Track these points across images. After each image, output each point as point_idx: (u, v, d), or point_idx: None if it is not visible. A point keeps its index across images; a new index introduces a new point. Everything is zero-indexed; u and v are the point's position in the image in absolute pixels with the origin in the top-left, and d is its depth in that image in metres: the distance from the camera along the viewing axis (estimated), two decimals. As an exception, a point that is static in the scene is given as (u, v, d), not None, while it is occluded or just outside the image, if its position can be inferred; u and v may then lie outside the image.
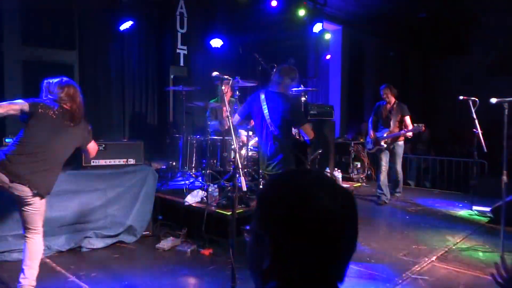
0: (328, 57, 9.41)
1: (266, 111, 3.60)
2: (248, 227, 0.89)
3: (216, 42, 6.91)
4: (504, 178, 3.62)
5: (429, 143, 9.57)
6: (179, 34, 6.71)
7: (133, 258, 3.90)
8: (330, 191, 0.81)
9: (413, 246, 4.25)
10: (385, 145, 6.08)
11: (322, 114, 7.00)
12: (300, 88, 5.74)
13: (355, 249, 0.83)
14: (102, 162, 4.30)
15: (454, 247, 4.23)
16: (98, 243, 4.05)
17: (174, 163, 5.47)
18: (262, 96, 3.65)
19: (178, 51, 6.68)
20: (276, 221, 0.80)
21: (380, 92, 6.19)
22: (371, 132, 6.24)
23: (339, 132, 8.90)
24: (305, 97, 5.97)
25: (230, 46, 7.22)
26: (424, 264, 3.75)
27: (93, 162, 4.25)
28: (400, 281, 3.35)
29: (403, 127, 6.03)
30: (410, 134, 5.96)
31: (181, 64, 6.75)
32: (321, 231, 0.77)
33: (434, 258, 3.90)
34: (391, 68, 10.54)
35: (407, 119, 6.01)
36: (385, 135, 6.04)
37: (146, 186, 4.42)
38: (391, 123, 6.07)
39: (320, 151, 5.73)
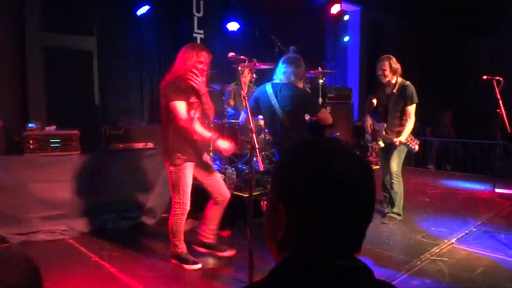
0: (346, 39, 9.24)
1: (276, 104, 3.45)
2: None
3: (233, 26, 6.87)
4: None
5: (452, 125, 9.36)
6: (195, 18, 6.69)
7: (153, 239, 3.99)
8: (346, 158, 0.79)
9: (433, 228, 4.20)
10: (383, 145, 4.43)
11: (340, 97, 6.92)
12: (318, 71, 5.68)
13: (371, 218, 0.82)
14: (121, 145, 4.38)
15: (475, 230, 4.17)
16: (120, 225, 4.15)
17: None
18: (269, 89, 3.52)
19: (194, 35, 6.66)
20: (289, 190, 0.80)
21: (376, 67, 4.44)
22: (368, 121, 4.59)
23: (358, 115, 8.79)
24: (323, 79, 5.89)
25: (247, 29, 7.16)
26: (444, 246, 3.70)
27: (113, 145, 4.33)
28: (418, 263, 3.33)
29: (403, 119, 4.30)
30: (398, 143, 4.16)
31: (198, 48, 6.74)
32: (336, 199, 0.76)
33: (454, 240, 3.85)
34: (413, 49, 10.26)
35: (409, 109, 4.22)
36: (383, 131, 4.39)
37: (164, 169, 4.47)
38: (389, 114, 4.39)
39: (337, 134, 5.69)
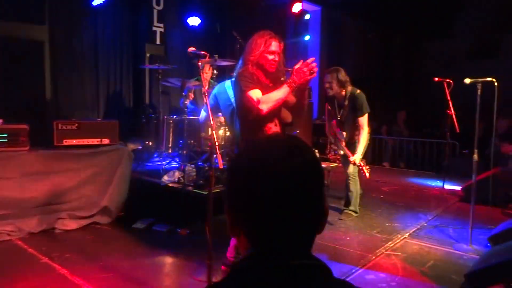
0: (307, 38, 9.36)
1: (235, 101, 3.25)
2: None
3: (194, 20, 6.77)
4: (475, 157, 3.71)
5: (405, 125, 9.75)
6: (155, 11, 6.52)
7: (108, 238, 3.86)
8: (285, 154, 0.79)
9: (387, 224, 4.36)
10: (342, 153, 4.49)
11: (300, 95, 6.98)
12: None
13: (320, 212, 0.82)
14: (75, 141, 4.19)
15: (426, 224, 4.36)
16: (72, 224, 3.98)
17: (150, 144, 5.38)
18: (229, 86, 3.44)
19: (154, 28, 6.50)
20: (236, 191, 0.82)
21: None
22: (330, 128, 4.63)
23: (317, 113, 8.94)
24: (284, 77, 5.92)
25: (208, 25, 7.08)
26: (397, 241, 3.85)
27: (66, 141, 4.14)
28: (373, 257, 3.44)
29: (358, 129, 4.34)
30: (352, 162, 4.19)
31: (158, 42, 6.58)
32: (278, 195, 0.76)
33: (407, 235, 4.02)
34: (371, 50, 10.58)
35: (361, 120, 4.24)
36: (343, 142, 4.45)
37: (121, 167, 4.34)
38: (345, 125, 4.44)
39: (297, 132, 5.75)
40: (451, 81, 5.16)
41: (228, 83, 3.48)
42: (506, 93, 4.42)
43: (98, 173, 4.24)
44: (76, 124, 4.22)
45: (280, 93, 2.67)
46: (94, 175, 4.20)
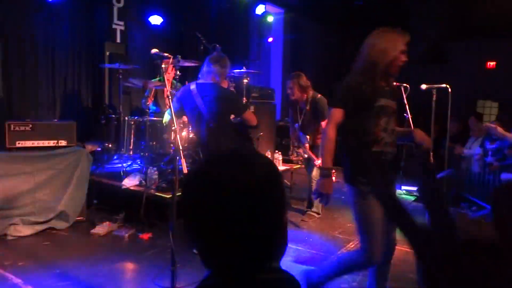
0: (270, 40, 9.43)
1: (201, 105, 3.34)
2: None
3: (156, 19, 6.62)
4: (431, 159, 3.88)
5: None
6: (115, 8, 6.32)
7: (65, 245, 3.70)
8: (237, 170, 0.78)
9: (348, 224, 4.47)
10: (307, 156, 4.54)
11: (263, 96, 7.03)
12: (242, 70, 5.70)
13: (281, 224, 0.80)
14: (29, 143, 3.99)
15: (384, 224, 4.51)
16: (26, 230, 3.78)
17: (110, 145, 5.22)
18: (194, 89, 3.40)
19: (114, 26, 6.30)
20: (190, 211, 0.81)
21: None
22: (294, 132, 4.70)
23: (280, 115, 9.03)
24: (247, 79, 5.94)
25: (171, 24, 6.96)
26: (358, 241, 3.95)
27: (19, 143, 3.93)
28: (335, 259, 3.51)
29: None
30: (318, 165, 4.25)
31: (118, 40, 6.39)
32: (230, 212, 0.75)
33: (366, 235, 4.13)
34: (332, 54, 10.81)
35: (324, 124, 4.30)
36: (306, 145, 4.54)
37: (79, 169, 4.18)
38: (309, 130, 4.53)
39: (260, 134, 5.77)
40: (407, 85, 5.37)
41: (193, 86, 3.43)
42: (454, 96, 4.67)
43: (54, 176, 4.05)
44: (30, 125, 4.02)
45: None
46: (50, 179, 4.02)
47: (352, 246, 3.81)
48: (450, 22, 9.81)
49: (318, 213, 4.60)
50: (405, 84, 5.47)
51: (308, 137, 4.53)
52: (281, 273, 0.80)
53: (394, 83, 5.37)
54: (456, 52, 10.36)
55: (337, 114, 2.35)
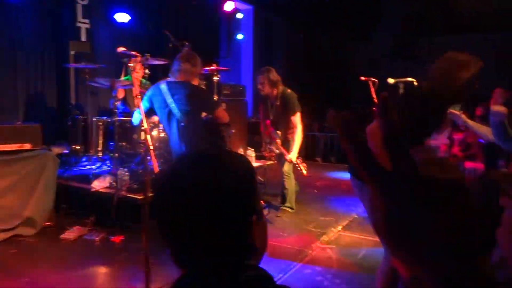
0: (240, 37, 9.41)
1: (172, 103, 3.30)
2: None
3: (123, 17, 6.47)
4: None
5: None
6: (79, 6, 6.13)
7: (33, 251, 3.57)
8: (209, 169, 0.78)
9: (321, 218, 4.53)
10: (278, 151, 4.60)
11: (234, 94, 7.01)
12: (212, 68, 5.66)
13: (246, 225, 0.78)
14: (-10, 148, 3.82)
15: (357, 217, 4.60)
16: (-10, 238, 3.62)
17: (78, 147, 5.07)
18: (164, 88, 3.34)
19: (78, 24, 6.11)
20: (163, 211, 0.81)
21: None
22: (265, 128, 4.72)
23: (252, 111, 9.03)
24: (217, 76, 5.90)
25: (138, 22, 6.82)
26: (331, 234, 4.02)
27: (-20, 148, 3.75)
28: (310, 252, 3.56)
29: (292, 128, 4.46)
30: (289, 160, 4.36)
31: (83, 39, 6.20)
32: (203, 211, 0.74)
33: (340, 227, 4.21)
34: (301, 50, 10.90)
35: (294, 119, 4.39)
36: (278, 141, 4.55)
37: (45, 173, 4.03)
38: (279, 125, 4.55)
39: (232, 131, 5.76)
40: (376, 80, 5.48)
41: (163, 85, 3.38)
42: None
43: (19, 181, 3.89)
44: (-8, 129, 3.84)
45: None
46: (14, 184, 3.86)
47: (326, 239, 3.87)
48: (418, 19, 10.12)
49: (291, 208, 4.64)
50: (373, 79, 5.60)
51: (279, 132, 4.55)
52: (255, 270, 0.80)
53: (363, 78, 5.55)
54: (422, 47, 10.69)
55: None
